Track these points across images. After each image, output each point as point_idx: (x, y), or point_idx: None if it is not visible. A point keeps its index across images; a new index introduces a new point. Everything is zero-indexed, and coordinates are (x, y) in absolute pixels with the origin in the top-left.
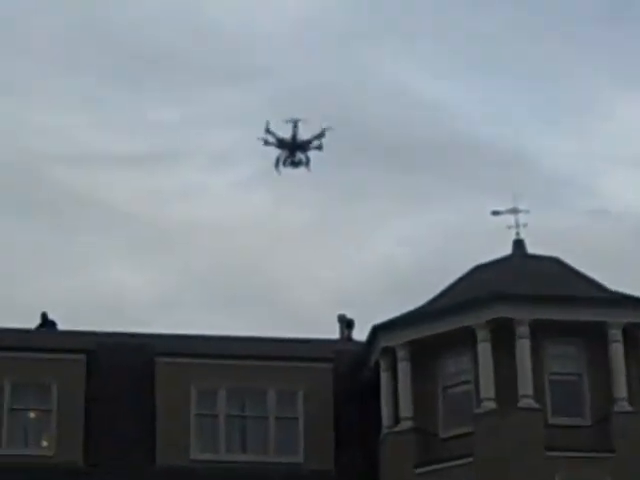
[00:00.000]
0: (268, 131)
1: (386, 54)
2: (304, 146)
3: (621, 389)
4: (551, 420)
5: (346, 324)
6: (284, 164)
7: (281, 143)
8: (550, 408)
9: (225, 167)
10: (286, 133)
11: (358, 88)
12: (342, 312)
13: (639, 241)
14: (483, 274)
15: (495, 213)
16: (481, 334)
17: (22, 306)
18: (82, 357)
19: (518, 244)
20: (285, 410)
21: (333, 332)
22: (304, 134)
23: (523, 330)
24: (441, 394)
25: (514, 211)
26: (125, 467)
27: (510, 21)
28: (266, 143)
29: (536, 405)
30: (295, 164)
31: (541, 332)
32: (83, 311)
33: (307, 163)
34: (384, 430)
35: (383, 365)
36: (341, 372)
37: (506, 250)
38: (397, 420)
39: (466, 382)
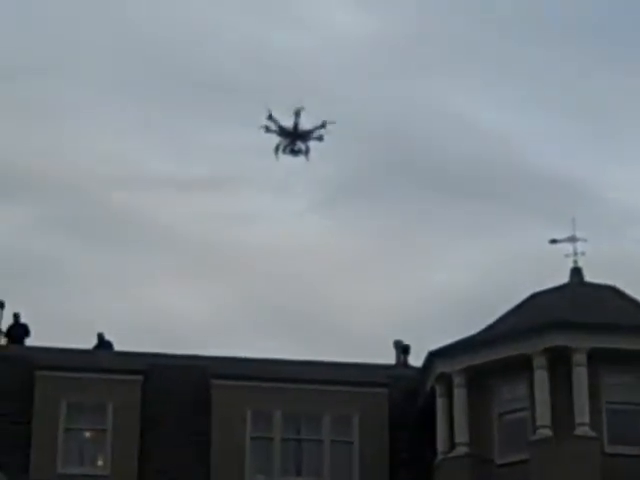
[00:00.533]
0: (270, 118)
1: (449, 85)
2: (305, 136)
3: None
4: (608, 449)
5: (402, 350)
6: (284, 151)
7: (282, 131)
8: (607, 437)
9: (284, 193)
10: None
11: (422, 118)
12: (398, 338)
13: None
14: (540, 301)
15: (553, 242)
16: (538, 361)
17: (79, 327)
18: (138, 378)
19: (575, 272)
20: (340, 434)
21: (389, 358)
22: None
23: (580, 358)
24: (497, 420)
25: (572, 239)
26: None
27: (574, 53)
28: (267, 130)
29: (592, 433)
30: (295, 152)
31: (598, 360)
32: (138, 333)
33: (306, 152)
34: (439, 456)
35: (439, 391)
36: (396, 397)
37: (564, 278)
38: (452, 446)
39: (522, 409)
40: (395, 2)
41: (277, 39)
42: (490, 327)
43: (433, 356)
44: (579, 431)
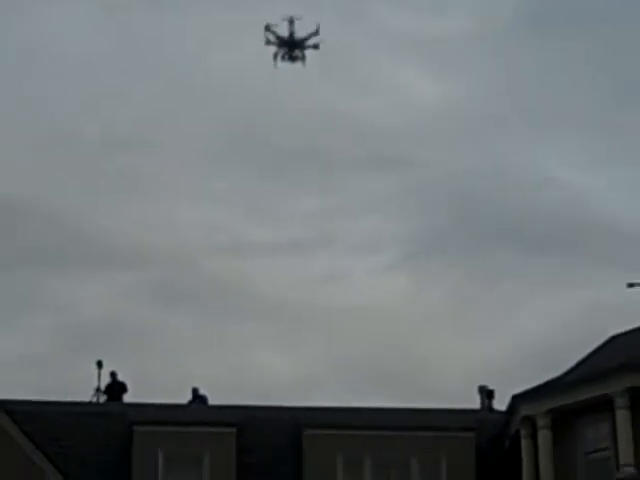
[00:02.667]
0: (268, 29)
1: (520, 139)
2: (301, 44)
3: None
4: None
5: (486, 394)
6: (282, 59)
7: (281, 41)
8: None
9: (366, 252)
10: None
11: (496, 174)
12: (482, 384)
13: None
14: (620, 343)
15: (631, 285)
16: (619, 402)
17: (175, 383)
18: (233, 430)
19: None
20: (428, 479)
21: (474, 403)
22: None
23: None
24: (581, 460)
25: None
26: None
27: None
28: (268, 42)
29: None
30: (292, 59)
31: None
32: (232, 388)
33: (303, 59)
34: None
35: (524, 433)
36: (482, 441)
37: None
38: None
39: (605, 448)
40: (477, 65)
41: (356, 106)
42: (571, 370)
43: (517, 399)
44: None
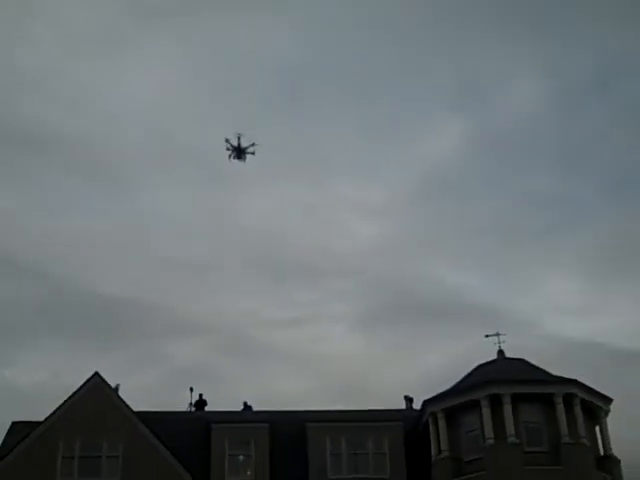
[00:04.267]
0: (227, 141)
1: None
2: (244, 150)
3: None
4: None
5: (409, 400)
6: (233, 158)
7: (232, 147)
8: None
9: (337, 324)
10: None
11: (413, 279)
12: (406, 394)
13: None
14: (482, 369)
15: (487, 336)
16: (483, 402)
17: (234, 400)
18: (266, 425)
19: (500, 352)
20: (378, 448)
21: (401, 405)
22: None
23: (507, 400)
24: (463, 436)
25: (497, 334)
26: None
27: None
28: (227, 148)
29: (516, 440)
30: (239, 159)
31: (519, 402)
32: (263, 403)
33: (244, 159)
34: (433, 457)
35: (430, 422)
36: (407, 428)
37: (494, 356)
38: (439, 452)
39: (477, 429)
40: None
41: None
42: (456, 385)
43: (426, 402)
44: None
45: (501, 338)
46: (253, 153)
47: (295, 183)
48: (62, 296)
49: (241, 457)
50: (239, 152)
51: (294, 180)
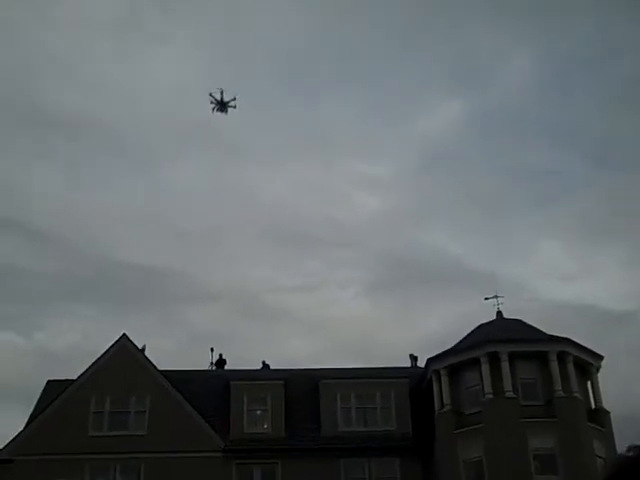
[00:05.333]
0: (211, 95)
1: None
2: (226, 103)
3: None
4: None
5: (413, 358)
6: (216, 111)
7: (216, 100)
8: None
9: (345, 289)
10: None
11: (413, 247)
12: (411, 352)
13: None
14: (480, 329)
15: (486, 298)
16: (483, 360)
17: (253, 359)
18: (281, 382)
19: (499, 314)
20: (385, 403)
21: (407, 363)
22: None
23: (504, 357)
24: (463, 392)
25: (495, 297)
26: None
27: None
28: (211, 102)
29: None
30: (221, 111)
31: (515, 359)
32: (280, 361)
33: (226, 112)
34: (436, 411)
35: (434, 379)
36: (413, 384)
37: (493, 316)
38: (442, 405)
39: (477, 385)
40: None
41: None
42: (458, 344)
43: (430, 360)
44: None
45: (499, 300)
46: (234, 107)
47: (304, 160)
48: (91, 265)
49: (258, 411)
50: (222, 105)
51: (303, 157)
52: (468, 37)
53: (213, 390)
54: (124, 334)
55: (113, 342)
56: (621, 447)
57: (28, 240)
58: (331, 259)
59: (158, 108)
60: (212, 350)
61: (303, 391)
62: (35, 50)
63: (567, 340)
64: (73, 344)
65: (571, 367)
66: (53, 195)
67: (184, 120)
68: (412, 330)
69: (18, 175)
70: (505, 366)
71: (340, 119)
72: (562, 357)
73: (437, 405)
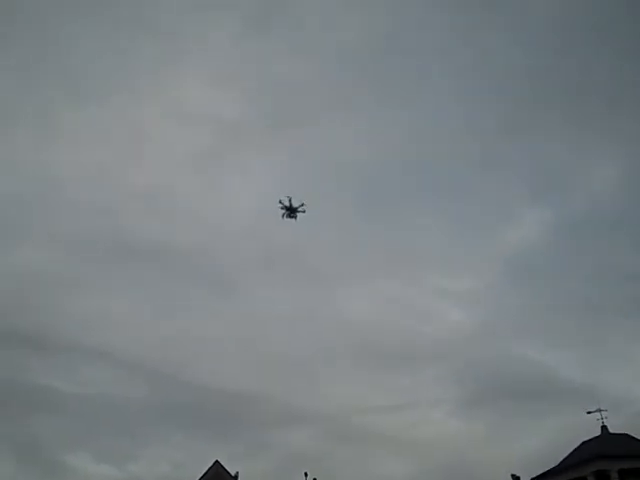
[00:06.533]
0: (280, 202)
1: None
2: (295, 209)
3: None
4: None
5: (515, 479)
6: (286, 217)
7: (285, 207)
8: None
9: (435, 407)
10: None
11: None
12: (513, 472)
13: None
14: (587, 446)
15: (589, 412)
16: (590, 479)
17: None
18: None
19: (604, 428)
20: None
21: None
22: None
23: (614, 476)
24: None
25: (599, 410)
26: None
27: None
28: (281, 208)
29: None
30: (290, 217)
31: (626, 477)
32: None
33: (296, 218)
34: None
35: None
36: None
37: (596, 432)
38: None
39: None
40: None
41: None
42: (561, 462)
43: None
44: None
45: (603, 414)
46: (304, 212)
47: (388, 275)
48: (180, 393)
49: None
50: (291, 211)
51: (387, 273)
52: (547, 148)
53: None
54: (216, 461)
55: (206, 469)
56: None
57: (118, 369)
58: (421, 376)
59: (238, 234)
60: (306, 475)
61: None
62: (124, 187)
63: None
64: (165, 474)
65: None
66: (142, 324)
67: (266, 244)
68: (509, 448)
69: (107, 305)
70: None
71: (423, 234)
72: None
73: None
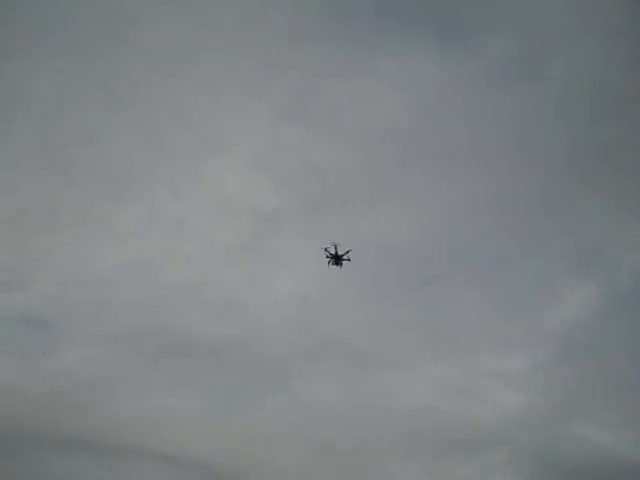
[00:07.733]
0: (326, 250)
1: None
2: (341, 257)
3: None
4: None
5: None
6: (332, 264)
7: (330, 255)
8: None
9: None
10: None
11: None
12: None
13: None
14: None
15: None
16: None
17: None
18: None
19: None
20: None
21: None
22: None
23: None
24: None
25: None
26: None
27: None
28: (327, 257)
29: None
30: (336, 264)
31: None
32: None
33: (341, 265)
34: None
35: None
36: None
37: None
38: None
39: None
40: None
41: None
42: None
43: None
44: None
45: None
46: (349, 260)
47: (437, 358)
48: None
49: None
50: (337, 259)
51: (435, 355)
52: (587, 224)
53: None
54: None
55: None
56: None
57: (180, 470)
58: (480, 462)
59: (284, 323)
60: None
61: None
62: (166, 282)
63: None
64: None
65: None
66: (190, 420)
67: (310, 331)
68: None
69: (164, 404)
70: None
71: (471, 316)
72: None
73: None
